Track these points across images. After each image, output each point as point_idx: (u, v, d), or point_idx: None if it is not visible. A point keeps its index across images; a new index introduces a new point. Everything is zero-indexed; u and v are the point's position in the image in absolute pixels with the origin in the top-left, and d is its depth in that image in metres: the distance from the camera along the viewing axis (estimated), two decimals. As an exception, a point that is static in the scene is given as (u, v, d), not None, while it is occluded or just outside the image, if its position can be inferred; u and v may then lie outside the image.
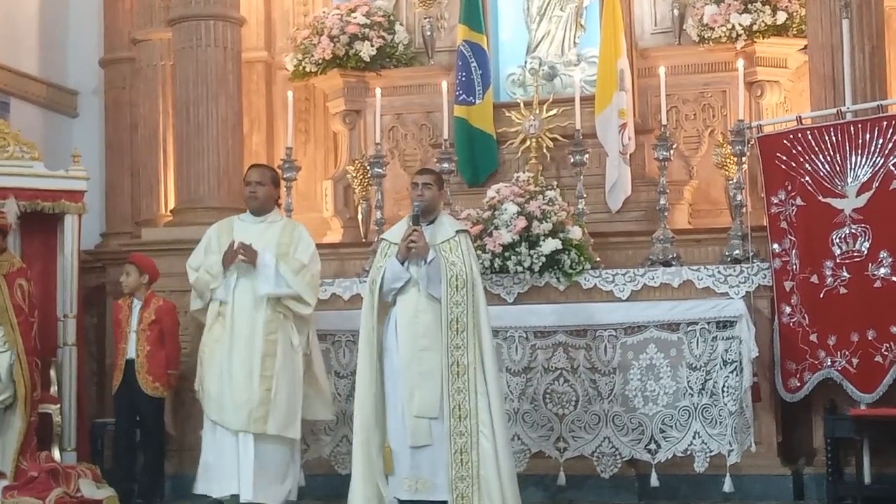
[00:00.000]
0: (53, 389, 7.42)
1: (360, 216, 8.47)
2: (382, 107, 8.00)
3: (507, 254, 7.22)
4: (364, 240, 8.27)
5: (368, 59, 8.58)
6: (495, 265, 7.24)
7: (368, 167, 8.06)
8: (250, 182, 6.81)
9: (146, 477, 7.34)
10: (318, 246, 8.17)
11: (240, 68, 8.58)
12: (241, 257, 6.53)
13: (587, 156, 7.60)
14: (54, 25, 9.65)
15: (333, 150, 9.12)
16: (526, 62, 8.48)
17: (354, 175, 8.47)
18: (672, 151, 7.52)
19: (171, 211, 8.62)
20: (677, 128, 8.15)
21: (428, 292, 5.96)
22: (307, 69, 8.75)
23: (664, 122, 7.46)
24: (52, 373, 7.45)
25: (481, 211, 7.42)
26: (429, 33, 8.73)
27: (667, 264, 7.22)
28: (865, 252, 6.66)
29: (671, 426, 6.84)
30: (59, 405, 7.36)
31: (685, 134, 8.20)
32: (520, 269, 7.21)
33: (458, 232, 6.14)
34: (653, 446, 6.86)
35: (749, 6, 7.86)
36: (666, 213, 7.38)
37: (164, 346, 7.29)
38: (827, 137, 6.83)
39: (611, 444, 6.92)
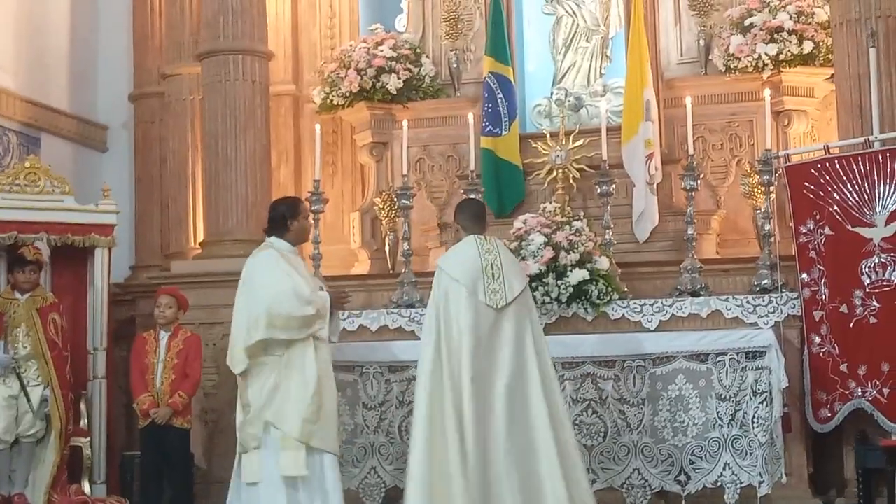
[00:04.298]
0: (84, 423, 7.48)
1: (387, 248, 8.50)
2: (409, 139, 8.03)
3: (534, 284, 7.21)
4: (391, 271, 8.29)
5: (395, 92, 8.64)
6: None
7: (395, 199, 8.09)
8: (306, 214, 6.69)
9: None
10: (346, 278, 8.28)
11: (268, 102, 8.66)
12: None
13: (614, 186, 7.59)
14: (84, 61, 9.77)
15: (360, 182, 9.17)
16: (552, 93, 8.50)
17: (381, 207, 8.51)
18: (699, 181, 7.51)
19: (200, 244, 8.69)
20: (704, 157, 8.14)
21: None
22: (334, 102, 8.81)
23: (691, 151, 7.45)
24: (83, 406, 7.51)
25: (508, 241, 7.41)
26: (455, 65, 8.78)
27: (695, 294, 7.20)
28: (895, 281, 6.61)
29: (701, 457, 6.78)
30: (89, 438, 7.44)
31: (712, 163, 8.19)
32: (547, 299, 7.20)
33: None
34: (683, 478, 6.80)
35: (775, 36, 7.85)
36: (694, 243, 7.36)
37: (187, 377, 7.28)
38: (855, 166, 6.80)
39: (640, 475, 6.86)
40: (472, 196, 7.53)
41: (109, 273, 7.90)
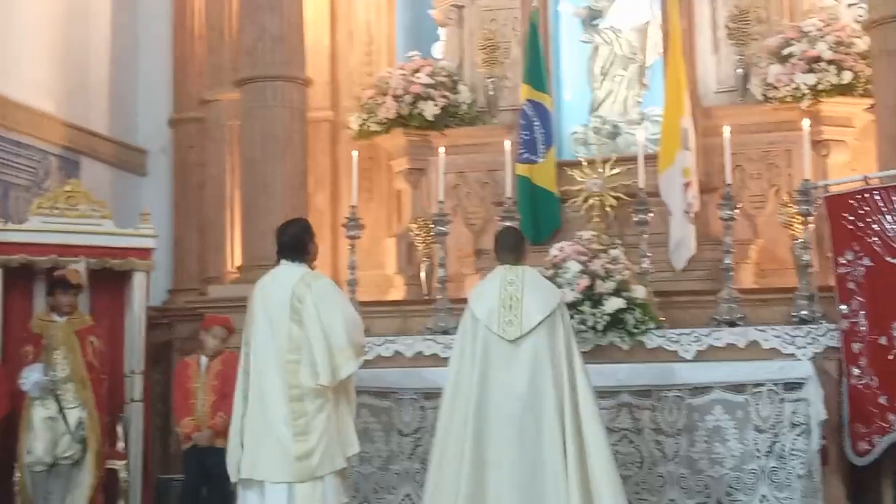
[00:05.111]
0: (120, 445, 7.51)
1: (422, 274, 8.52)
2: (446, 165, 8.04)
3: (569, 312, 7.18)
4: (427, 297, 8.30)
5: (432, 119, 8.67)
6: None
7: (431, 225, 8.10)
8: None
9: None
10: (381, 303, 8.30)
11: (305, 128, 8.71)
12: None
13: (651, 214, 7.57)
14: (124, 86, 9.86)
15: (396, 208, 9.20)
16: (589, 121, 8.52)
17: (417, 233, 8.53)
18: (737, 210, 7.48)
19: (237, 268, 8.73)
20: (742, 186, 8.12)
21: None
22: (371, 128, 8.86)
23: (729, 180, 7.42)
24: (119, 429, 7.54)
25: (544, 269, 7.40)
26: (492, 92, 8.82)
27: (732, 324, 7.16)
28: (935, 315, 6.57)
29: (738, 489, 6.72)
30: (125, 461, 7.45)
31: (750, 193, 8.17)
32: (583, 328, 7.17)
33: None
34: (719, 509, 6.77)
35: (814, 66, 7.83)
36: (731, 273, 7.32)
37: (226, 396, 7.27)
38: (894, 197, 6.76)
39: (676, 506, 6.83)
40: (509, 224, 7.55)
41: (147, 297, 7.95)
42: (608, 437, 6.05)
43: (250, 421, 5.90)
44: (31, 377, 7.00)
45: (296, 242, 6.07)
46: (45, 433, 7.05)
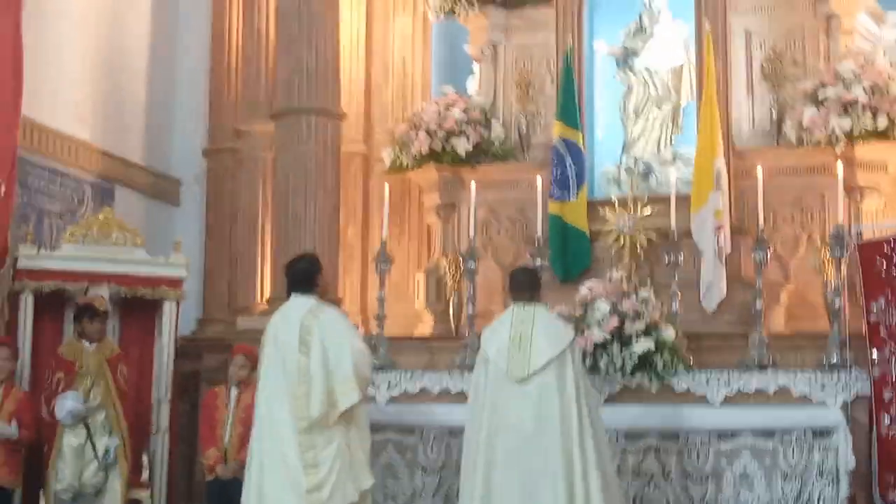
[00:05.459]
0: (145, 475, 7.51)
1: (451, 310, 8.50)
2: (477, 201, 8.03)
3: (598, 352, 7.16)
4: (455, 334, 8.28)
5: (464, 154, 8.68)
6: (586, 363, 7.18)
7: (461, 261, 8.09)
8: None
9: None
10: (409, 339, 8.28)
11: (338, 162, 8.74)
12: None
13: (682, 255, 7.53)
14: (160, 115, 9.95)
15: (427, 243, 9.21)
16: (621, 160, 8.50)
17: (447, 268, 8.52)
18: (769, 253, 7.42)
19: (266, 300, 8.75)
20: (774, 229, 8.04)
21: None
22: (404, 163, 8.88)
23: (761, 223, 7.37)
24: (145, 458, 7.55)
25: (573, 308, 7.38)
26: (525, 129, 8.81)
27: (762, 368, 7.09)
28: (967, 364, 6.48)
29: (765, 536, 6.67)
30: (149, 491, 7.46)
31: (782, 236, 8.09)
32: (611, 368, 7.13)
33: None
34: (746, 557, 6.69)
35: (849, 109, 7.78)
36: (762, 317, 7.26)
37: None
38: (928, 245, 6.70)
39: (702, 553, 6.76)
40: (535, 261, 7.55)
41: (177, 326, 7.98)
42: (617, 478, 6.09)
43: (261, 453, 5.92)
44: (65, 405, 7.02)
45: (304, 276, 6.17)
46: (73, 460, 7.08)
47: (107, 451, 7.12)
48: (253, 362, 7.34)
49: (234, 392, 7.33)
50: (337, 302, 7.85)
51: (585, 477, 5.74)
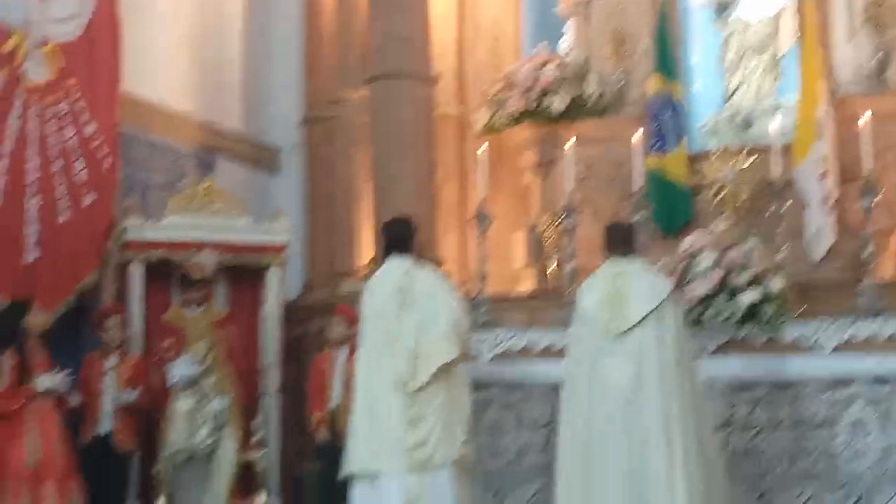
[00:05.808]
0: (256, 438, 7.63)
1: (550, 267, 8.47)
2: (574, 158, 7.99)
3: (703, 305, 7.08)
4: (555, 291, 8.26)
5: (560, 112, 8.63)
6: (690, 317, 7.11)
7: (560, 219, 8.06)
8: None
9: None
10: (510, 297, 8.28)
11: (434, 124, 8.75)
12: None
13: (786, 205, 7.41)
14: (258, 85, 10.06)
15: (525, 202, 9.17)
16: (720, 111, 8.37)
17: (546, 226, 8.49)
18: (876, 200, 7.25)
19: (367, 263, 8.81)
20: (882, 175, 7.85)
21: None
22: (499, 123, 8.86)
23: (867, 169, 7.21)
24: (255, 421, 7.68)
25: (676, 262, 7.31)
26: (620, 84, 8.73)
27: (874, 315, 6.95)
28: None
29: (881, 484, 6.54)
30: (261, 453, 7.57)
31: (890, 181, 7.90)
32: (717, 321, 7.05)
33: None
34: (860, 505, 6.59)
35: (957, 48, 7.57)
36: (871, 264, 7.11)
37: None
38: None
39: (816, 502, 6.66)
40: (635, 216, 7.49)
41: (282, 292, 8.09)
42: (716, 434, 6.00)
43: (363, 413, 5.97)
44: (177, 371, 7.18)
45: (400, 237, 6.23)
46: (185, 424, 7.22)
47: (218, 414, 7.26)
48: (352, 322, 7.44)
49: (341, 356, 7.42)
50: (438, 263, 7.88)
51: (687, 431, 5.68)
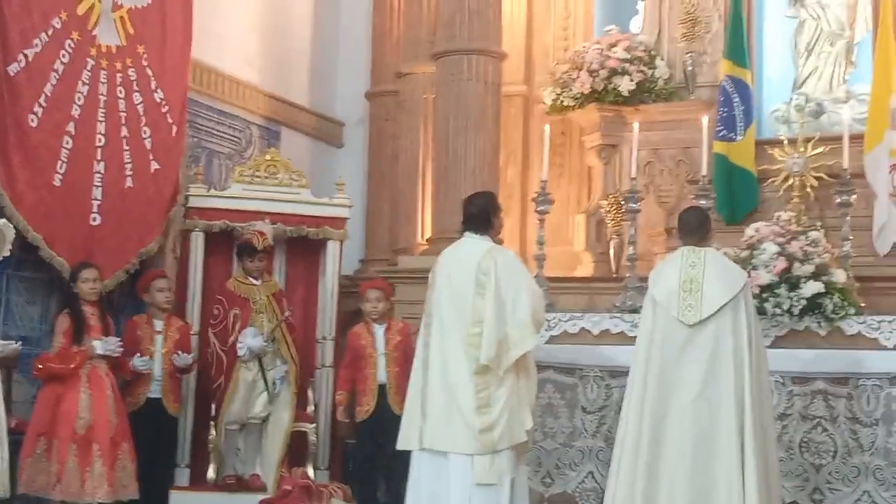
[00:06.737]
0: (310, 409, 7.68)
1: (611, 251, 8.41)
2: (639, 141, 7.87)
3: (765, 295, 6.97)
4: (615, 275, 8.20)
5: (627, 94, 8.54)
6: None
7: (623, 202, 7.98)
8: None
9: (391, 502, 7.32)
10: (569, 280, 8.23)
11: (499, 102, 8.70)
12: None
13: (854, 196, 7.26)
14: (324, 59, 10.09)
15: (587, 185, 9.11)
16: (791, 98, 8.23)
17: (608, 210, 8.42)
18: (947, 194, 7.11)
19: (426, 240, 8.82)
20: (954, 169, 7.68)
21: None
22: (565, 103, 8.79)
23: (939, 162, 7.07)
24: (310, 392, 7.72)
25: (739, 250, 7.20)
26: (690, 68, 8.61)
27: (938, 312, 6.81)
28: None
29: (938, 483, 6.42)
30: (314, 424, 7.62)
31: (963, 176, 7.72)
32: (778, 311, 6.93)
33: None
34: (916, 505, 6.47)
35: None
36: (938, 259, 6.98)
37: (408, 366, 7.33)
38: None
39: (871, 498, 6.52)
40: (700, 202, 7.36)
41: (340, 265, 8.11)
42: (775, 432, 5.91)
43: (432, 392, 5.89)
44: (246, 342, 7.21)
45: (482, 214, 6.03)
46: (246, 393, 7.27)
47: (275, 383, 7.31)
48: (387, 297, 7.43)
49: (378, 330, 7.41)
50: (499, 242, 7.83)
51: (761, 428, 5.59)
